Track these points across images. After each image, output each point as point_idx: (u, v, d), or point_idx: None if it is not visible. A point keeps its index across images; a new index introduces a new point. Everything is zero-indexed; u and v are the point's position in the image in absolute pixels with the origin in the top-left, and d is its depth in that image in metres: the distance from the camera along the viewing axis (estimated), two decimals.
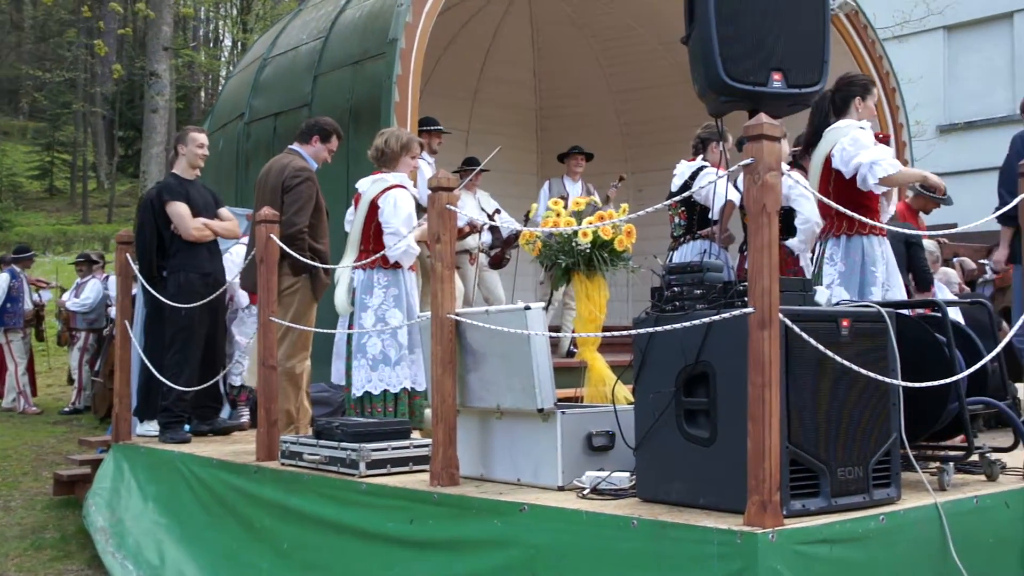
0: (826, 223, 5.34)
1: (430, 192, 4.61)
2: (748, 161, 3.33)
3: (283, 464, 5.38)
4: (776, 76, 3.78)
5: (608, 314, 7.42)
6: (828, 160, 5.18)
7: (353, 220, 6.24)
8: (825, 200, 4.52)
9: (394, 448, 4.96)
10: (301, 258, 5.95)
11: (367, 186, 6.22)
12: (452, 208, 4.58)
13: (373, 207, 6.11)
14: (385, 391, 6.00)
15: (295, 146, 6.49)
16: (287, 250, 5.84)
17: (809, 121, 5.36)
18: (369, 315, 6.07)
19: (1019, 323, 4.55)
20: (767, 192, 3.31)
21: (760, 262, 3.35)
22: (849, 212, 4.39)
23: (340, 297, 6.16)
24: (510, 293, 10.22)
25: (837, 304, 4.75)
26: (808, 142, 5.32)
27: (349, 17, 8.71)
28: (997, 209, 5.92)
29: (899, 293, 5.24)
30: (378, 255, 6.00)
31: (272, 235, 5.74)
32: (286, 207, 6.10)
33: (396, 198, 6.05)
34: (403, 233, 5.98)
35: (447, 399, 4.51)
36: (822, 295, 3.88)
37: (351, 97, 8.16)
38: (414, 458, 4.99)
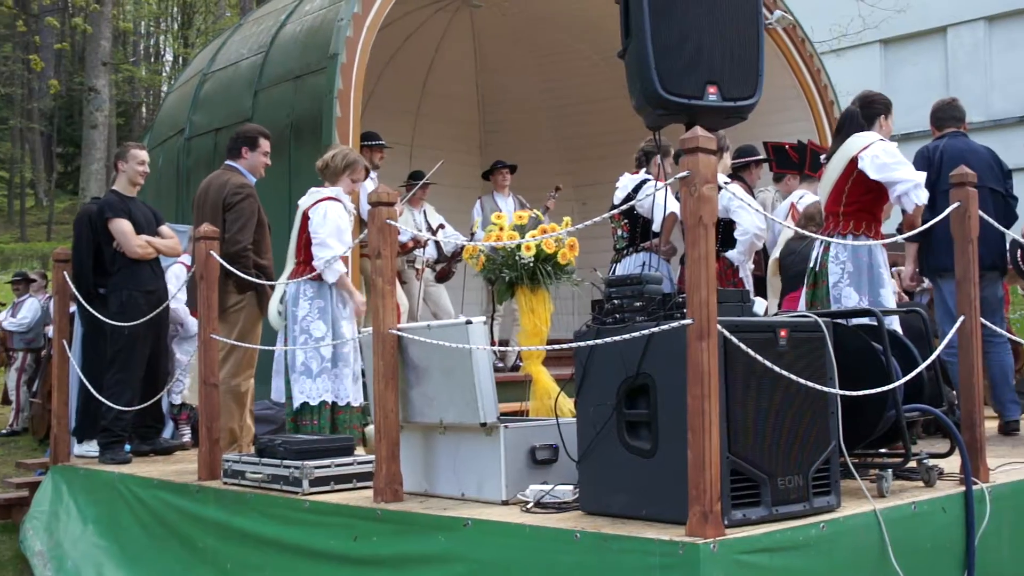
0: (831, 221, 5.37)
1: (370, 207, 4.59)
2: (684, 174, 3.36)
3: (225, 483, 5.31)
4: (712, 89, 3.82)
5: (553, 327, 7.44)
6: (854, 161, 5.25)
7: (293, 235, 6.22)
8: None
9: (337, 465, 4.93)
10: (246, 276, 5.90)
11: (304, 199, 6.21)
12: (392, 223, 4.56)
13: (305, 219, 6.09)
14: (305, 403, 5.94)
15: (230, 162, 6.44)
16: (230, 268, 5.79)
17: (838, 130, 5.45)
18: (296, 327, 6.00)
19: (947, 338, 4.62)
20: (703, 204, 3.34)
21: (698, 274, 3.37)
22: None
23: (271, 312, 6.11)
24: (459, 307, 10.21)
25: (858, 305, 4.82)
26: (835, 148, 5.40)
27: (290, 32, 8.67)
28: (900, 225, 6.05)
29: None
30: (315, 272, 5.97)
31: (212, 252, 5.69)
32: (229, 224, 6.05)
33: (327, 210, 6.01)
34: (329, 244, 5.92)
35: (390, 415, 4.48)
36: (759, 305, 3.92)
37: (292, 112, 8.12)
38: (358, 475, 4.96)
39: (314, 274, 5.96)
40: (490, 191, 10.33)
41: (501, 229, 7.12)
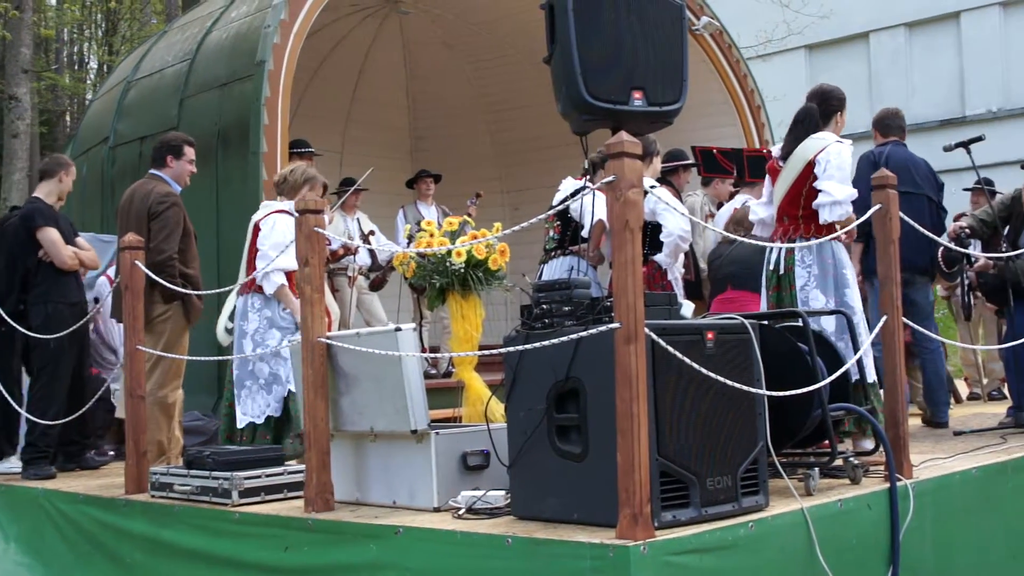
0: (789, 224, 5.36)
1: (297, 215, 4.56)
2: (610, 178, 3.38)
3: (153, 496, 5.23)
4: (637, 94, 3.85)
5: (486, 333, 7.44)
6: (811, 164, 5.26)
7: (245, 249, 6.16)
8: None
9: (268, 475, 4.88)
10: (172, 286, 5.82)
11: (257, 213, 6.16)
12: (320, 231, 4.53)
13: (255, 231, 6.03)
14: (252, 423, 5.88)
15: (155, 171, 6.35)
16: (156, 278, 5.71)
17: (794, 128, 5.41)
18: (248, 342, 5.95)
19: (872, 335, 4.70)
20: (629, 209, 3.37)
21: (624, 278, 3.40)
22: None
23: (219, 329, 6.06)
24: (394, 315, 10.15)
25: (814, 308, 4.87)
26: (790, 148, 5.38)
27: (216, 39, 8.57)
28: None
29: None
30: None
31: (137, 262, 5.60)
32: (154, 234, 5.96)
33: (275, 221, 5.96)
34: (270, 255, 5.85)
35: (320, 423, 4.45)
36: (687, 308, 3.95)
37: (219, 120, 8.02)
38: (288, 484, 4.91)
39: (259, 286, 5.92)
40: (412, 200, 10.32)
41: (431, 235, 7.11)
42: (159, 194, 6.10)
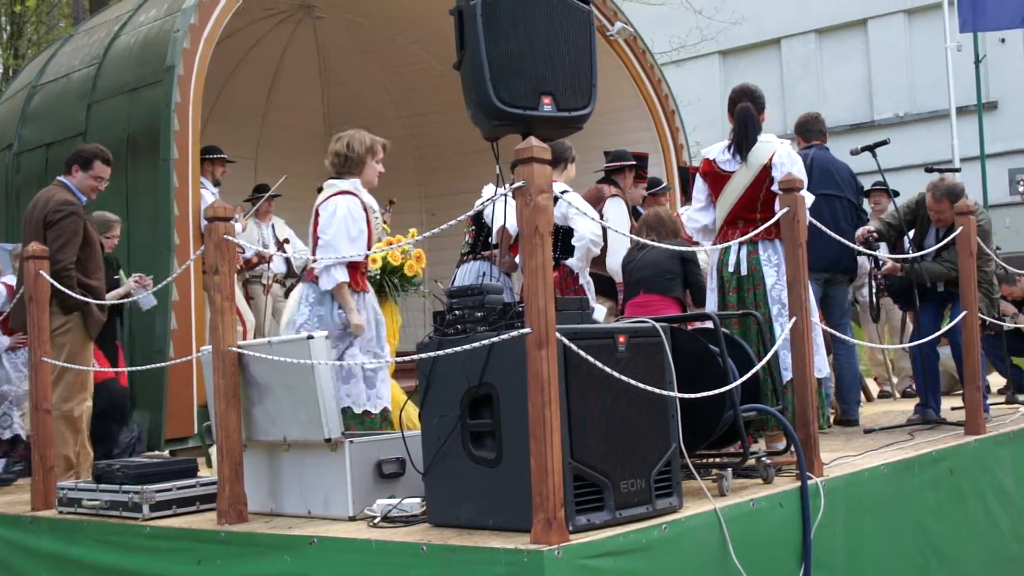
0: (746, 227, 5.38)
1: (207, 222, 4.49)
2: (519, 184, 3.38)
3: (61, 512, 5.10)
4: (546, 100, 3.86)
5: (404, 339, 7.42)
6: (767, 168, 5.34)
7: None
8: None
9: (179, 488, 4.79)
10: (72, 294, 5.68)
11: (320, 194, 5.52)
12: (230, 239, 4.47)
13: (315, 216, 5.47)
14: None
15: (61, 178, 6.20)
16: (58, 286, 5.57)
17: (742, 130, 5.46)
18: (600, 310, 5.20)
19: (781, 338, 4.78)
20: (539, 214, 3.38)
21: (535, 283, 3.40)
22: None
23: (284, 322, 5.55)
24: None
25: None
26: (740, 147, 5.43)
27: (124, 43, 8.41)
28: None
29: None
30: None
31: (42, 271, 5.46)
32: (50, 243, 5.80)
33: (338, 205, 5.31)
34: (335, 245, 5.24)
35: (232, 434, 4.39)
36: (599, 312, 3.98)
37: (128, 126, 7.87)
38: (201, 497, 4.82)
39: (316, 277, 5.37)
40: None
41: None
42: (57, 202, 5.95)
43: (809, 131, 7.02)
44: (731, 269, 5.43)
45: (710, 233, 5.65)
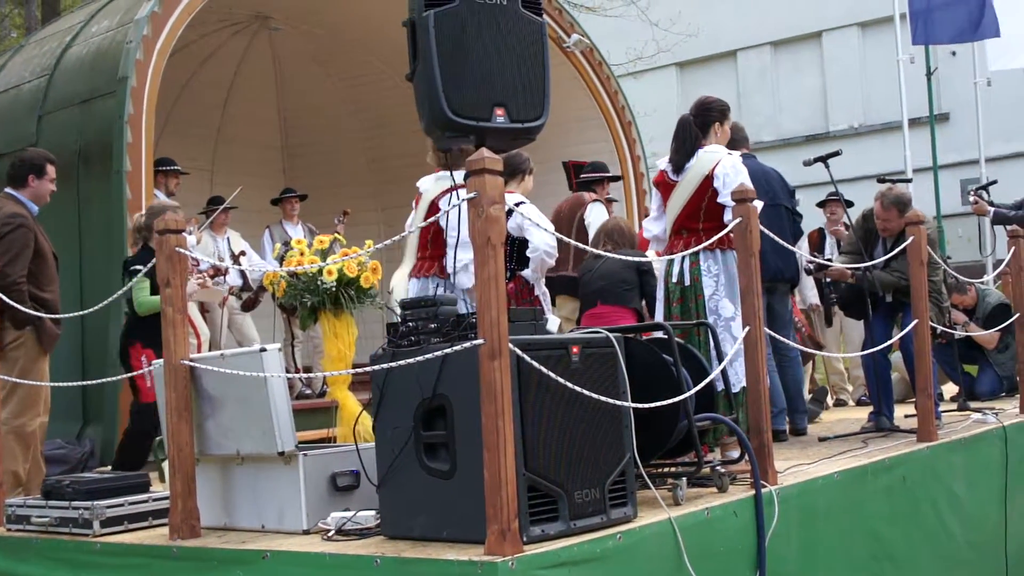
0: (689, 237, 5.43)
1: (158, 235, 4.45)
2: (472, 195, 3.39)
3: (9, 530, 5.02)
4: (499, 111, 3.87)
5: (361, 351, 7.37)
6: (709, 178, 5.38)
7: (411, 224, 5.41)
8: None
9: (131, 503, 4.73)
10: (23, 309, 5.60)
11: (429, 184, 5.46)
12: (182, 251, 4.43)
13: (434, 208, 5.40)
14: None
15: (11, 190, 6.12)
16: (8, 302, 5.49)
17: (675, 140, 5.52)
18: (553, 320, 5.36)
19: (732, 351, 4.81)
20: (491, 225, 3.38)
21: (488, 294, 3.40)
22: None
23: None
24: (268, 335, 9.98)
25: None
26: (678, 162, 5.48)
27: (75, 54, 8.33)
28: None
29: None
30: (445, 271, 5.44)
31: None
32: None
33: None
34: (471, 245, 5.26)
35: (184, 448, 4.34)
36: (553, 323, 3.98)
37: (80, 138, 7.79)
38: (153, 512, 4.77)
39: (443, 272, 5.38)
40: (281, 219, 10.20)
41: (302, 254, 7.02)
42: (5, 215, 5.86)
43: (734, 140, 7.06)
44: (675, 280, 5.47)
45: (661, 243, 5.70)
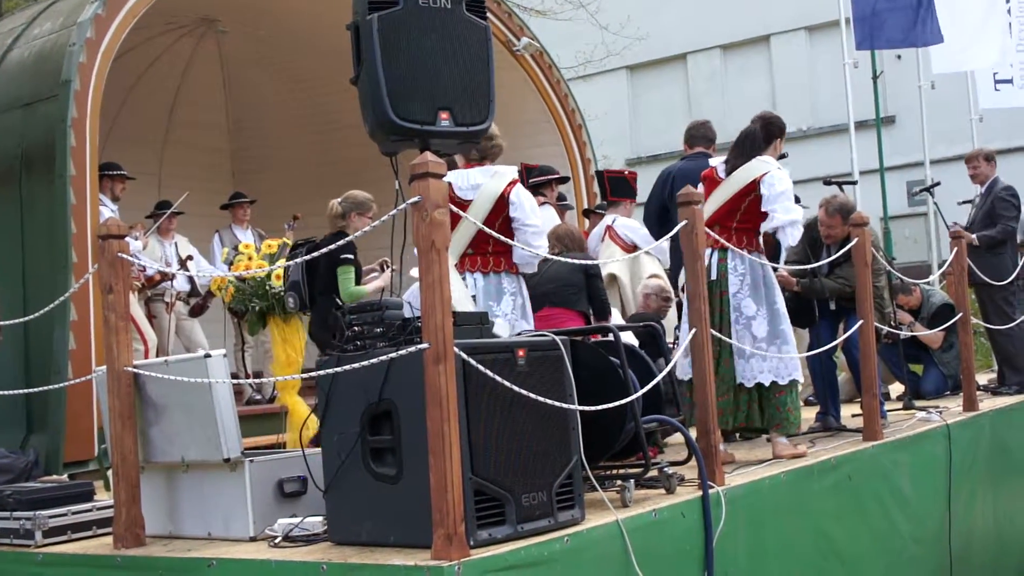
0: (720, 233, 5.54)
1: (101, 240, 4.39)
2: (415, 199, 3.38)
3: None
4: (444, 115, 3.87)
5: (310, 357, 7.33)
6: (755, 183, 5.54)
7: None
8: None
9: (74, 513, 4.67)
10: None
11: (485, 179, 5.25)
12: (125, 256, 4.38)
13: (503, 201, 5.24)
14: None
15: None
16: None
17: (738, 146, 5.68)
18: (500, 323, 5.10)
19: (680, 351, 4.84)
20: (435, 229, 3.37)
21: (432, 298, 3.40)
22: None
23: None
24: (218, 340, 9.88)
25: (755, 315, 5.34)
26: (735, 165, 5.64)
27: (16, 57, 8.19)
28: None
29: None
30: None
31: None
32: None
33: (524, 194, 5.31)
34: (543, 231, 5.32)
35: (128, 456, 4.29)
36: (501, 327, 3.98)
37: (22, 141, 7.65)
38: (97, 521, 4.71)
39: (511, 266, 5.31)
40: (231, 223, 10.11)
41: (250, 259, 6.98)
42: None
43: (692, 138, 7.12)
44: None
45: None
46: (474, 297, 5.18)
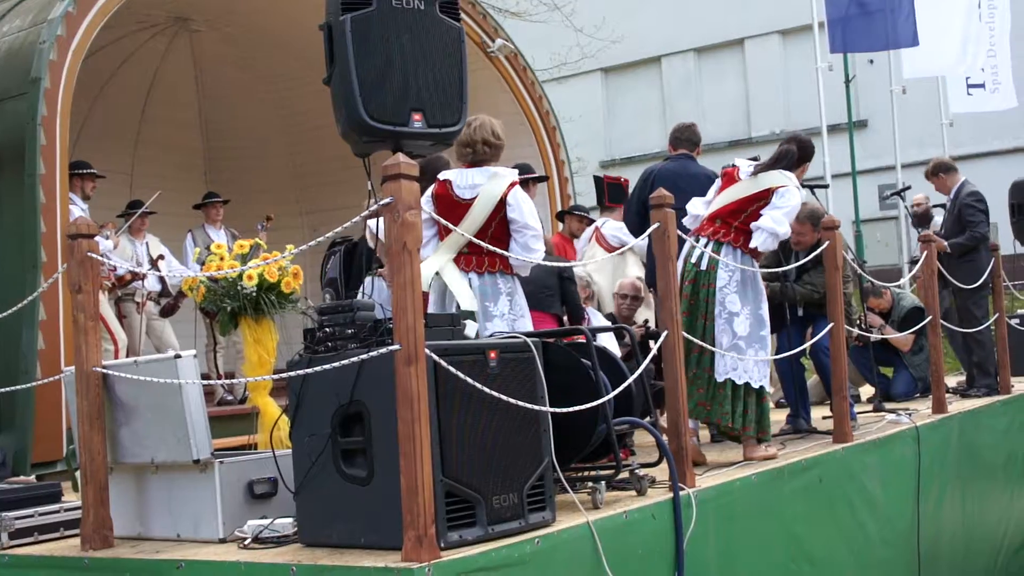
0: (721, 227, 5.69)
1: (70, 239, 4.36)
2: (387, 200, 3.37)
3: None
4: (416, 116, 3.86)
5: (282, 357, 7.29)
6: (769, 191, 5.66)
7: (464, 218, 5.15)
8: None
9: (41, 514, 4.63)
10: None
11: (484, 179, 5.17)
12: (95, 256, 4.35)
13: (502, 203, 5.15)
14: None
15: None
16: None
17: (775, 161, 5.79)
18: (501, 323, 5.12)
19: (652, 354, 4.86)
20: (407, 230, 3.37)
21: (404, 299, 3.39)
22: None
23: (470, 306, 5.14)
24: (189, 340, 9.83)
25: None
26: (760, 170, 5.76)
27: None
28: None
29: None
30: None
31: None
32: None
33: (523, 196, 5.24)
34: (542, 234, 5.29)
35: (96, 457, 4.26)
36: (471, 328, 3.98)
37: None
38: (65, 523, 4.67)
39: (507, 267, 5.20)
40: (204, 223, 10.06)
41: (222, 259, 6.93)
42: None
43: (677, 140, 7.11)
44: (693, 260, 5.70)
45: (695, 221, 5.94)
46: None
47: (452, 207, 5.07)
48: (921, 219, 10.20)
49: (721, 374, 5.53)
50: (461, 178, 5.19)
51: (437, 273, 5.08)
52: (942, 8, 12.79)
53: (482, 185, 5.16)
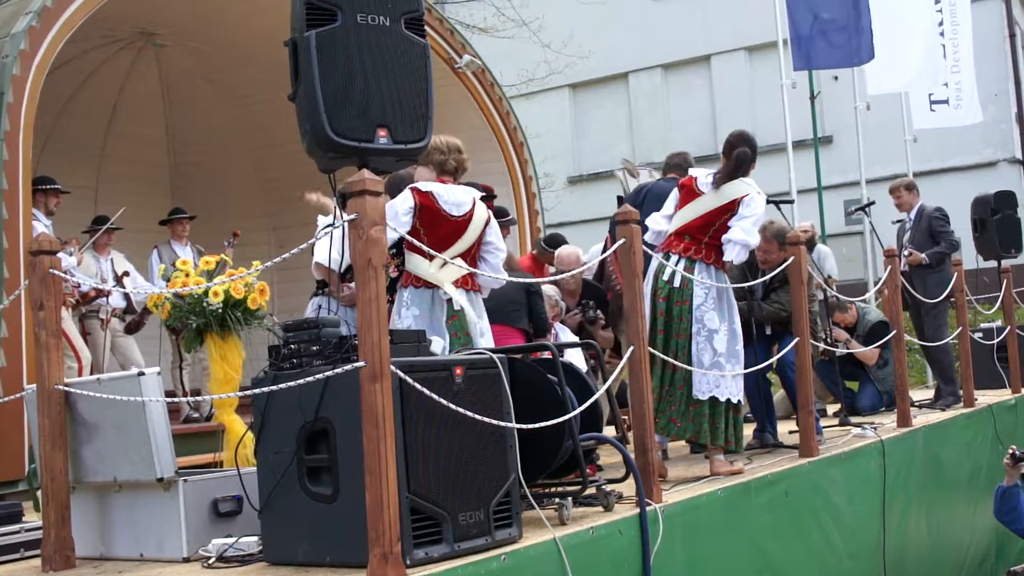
0: (690, 244, 5.69)
1: (32, 256, 4.32)
2: (352, 216, 3.37)
3: None
4: (382, 132, 3.85)
5: (247, 374, 7.24)
6: (735, 203, 5.65)
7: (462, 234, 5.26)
8: None
9: (1, 534, 4.57)
10: None
11: (467, 199, 5.27)
12: (57, 273, 4.31)
13: (487, 225, 5.35)
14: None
15: None
16: None
17: (735, 169, 5.75)
18: (488, 340, 5.24)
19: (619, 368, 4.87)
20: (372, 247, 3.36)
21: (368, 315, 3.38)
22: None
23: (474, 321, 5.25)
24: (154, 357, 9.74)
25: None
26: (721, 182, 5.73)
27: None
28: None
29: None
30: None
31: None
32: None
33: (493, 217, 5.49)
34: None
35: (58, 476, 4.21)
36: (437, 344, 3.97)
37: None
38: (25, 543, 4.62)
39: (476, 285, 5.34)
40: (170, 239, 9.99)
41: (187, 275, 6.88)
42: None
43: (667, 166, 7.29)
44: (665, 278, 5.69)
45: (660, 237, 5.93)
46: (461, 310, 5.19)
47: (439, 221, 5.11)
48: (808, 246, 10.13)
49: (704, 392, 5.54)
50: (448, 193, 5.20)
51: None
52: (904, 25, 12.92)
53: (467, 205, 5.23)
